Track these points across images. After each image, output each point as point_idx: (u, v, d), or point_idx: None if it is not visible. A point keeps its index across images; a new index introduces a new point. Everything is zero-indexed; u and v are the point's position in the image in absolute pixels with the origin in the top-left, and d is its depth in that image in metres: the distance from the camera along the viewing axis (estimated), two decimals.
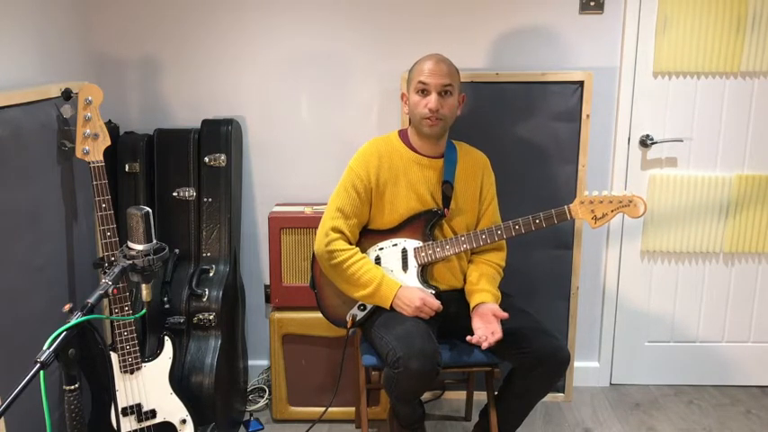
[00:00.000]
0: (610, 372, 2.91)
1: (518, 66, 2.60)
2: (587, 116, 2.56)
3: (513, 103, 2.56)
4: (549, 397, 2.74)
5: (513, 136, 2.59)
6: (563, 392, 2.80)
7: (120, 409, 2.03)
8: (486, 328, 1.97)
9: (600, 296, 2.83)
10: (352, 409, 2.60)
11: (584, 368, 2.88)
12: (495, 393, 2.21)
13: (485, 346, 1.93)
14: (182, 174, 2.51)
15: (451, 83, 2.03)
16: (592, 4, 2.56)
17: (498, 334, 1.94)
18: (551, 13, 2.56)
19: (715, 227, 2.73)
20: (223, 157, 2.49)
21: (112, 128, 2.55)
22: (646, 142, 2.66)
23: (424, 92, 2.03)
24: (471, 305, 2.07)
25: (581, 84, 2.53)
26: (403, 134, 2.17)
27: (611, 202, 2.01)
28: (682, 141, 2.67)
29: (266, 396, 2.77)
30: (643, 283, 2.81)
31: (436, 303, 2.02)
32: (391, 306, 2.04)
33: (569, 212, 2.02)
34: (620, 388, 2.90)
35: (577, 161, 2.59)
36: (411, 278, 2.10)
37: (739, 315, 2.84)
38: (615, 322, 2.85)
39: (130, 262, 1.53)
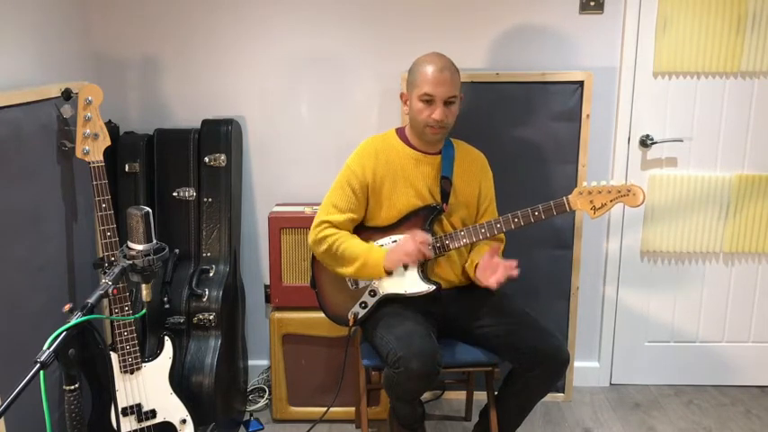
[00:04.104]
0: (610, 372, 2.91)
1: (518, 66, 2.60)
2: (587, 116, 2.56)
3: (513, 103, 2.56)
4: (549, 397, 2.74)
5: (513, 136, 2.59)
6: (563, 392, 2.80)
7: (120, 409, 2.03)
8: (490, 268, 2.02)
9: (600, 296, 2.83)
10: (353, 409, 2.60)
11: (584, 368, 2.88)
12: (495, 393, 2.21)
13: (494, 281, 1.97)
14: (182, 174, 2.51)
15: (455, 93, 2.03)
16: (592, 4, 2.56)
17: (504, 269, 1.98)
18: (551, 13, 2.56)
19: (715, 227, 2.73)
20: (223, 157, 2.49)
21: (112, 128, 2.55)
22: (646, 142, 2.66)
23: (429, 101, 2.02)
24: (473, 265, 2.10)
25: (581, 84, 2.53)
26: (401, 132, 2.17)
27: (609, 191, 1.99)
28: (682, 141, 2.67)
29: (266, 396, 2.77)
30: (643, 283, 2.81)
31: (426, 237, 2.01)
32: (388, 271, 2.03)
33: (568, 204, 2.00)
34: (620, 388, 2.90)
35: (577, 161, 2.59)
36: (411, 274, 2.10)
37: (739, 315, 2.84)
38: (615, 322, 2.85)
39: (130, 262, 1.53)
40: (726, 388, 2.89)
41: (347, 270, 2.07)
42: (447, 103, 2.02)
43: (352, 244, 2.06)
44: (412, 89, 2.06)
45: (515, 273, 1.97)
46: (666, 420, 2.64)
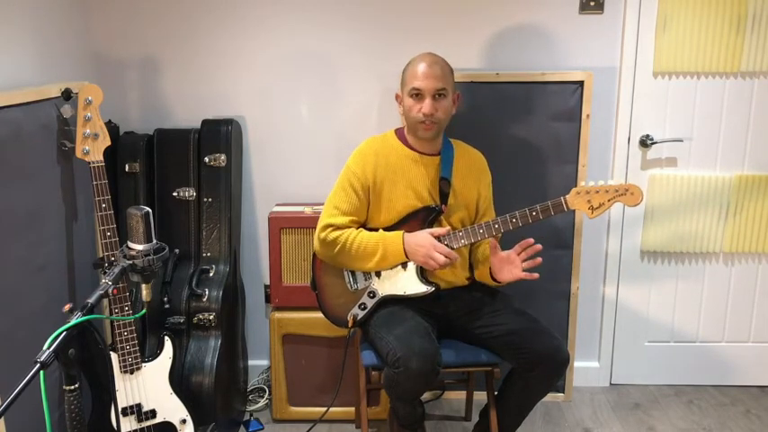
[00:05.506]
0: (610, 372, 2.91)
1: (518, 66, 2.60)
2: (587, 116, 2.56)
3: (513, 103, 2.56)
4: (549, 397, 2.74)
5: (513, 136, 2.59)
6: (563, 392, 2.80)
7: (120, 409, 2.03)
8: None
9: (600, 296, 2.83)
10: (352, 409, 2.60)
11: (585, 368, 2.88)
12: (495, 393, 2.21)
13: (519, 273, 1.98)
14: (182, 174, 2.51)
15: (445, 86, 2.03)
16: (592, 4, 2.56)
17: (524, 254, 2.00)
18: (551, 13, 2.56)
19: (715, 227, 2.73)
20: (223, 157, 2.49)
21: (112, 128, 2.55)
22: (646, 142, 2.66)
23: (418, 96, 2.03)
24: (486, 274, 2.10)
25: (581, 84, 2.53)
26: (400, 132, 2.18)
27: (607, 191, 1.98)
28: (682, 141, 2.67)
29: (266, 396, 2.77)
30: (643, 283, 2.81)
31: (453, 255, 2.01)
32: (407, 254, 2.04)
33: (566, 203, 2.00)
34: (620, 388, 2.90)
35: (577, 161, 2.59)
36: (410, 275, 2.10)
37: (739, 315, 2.84)
38: (615, 322, 2.85)
39: (130, 262, 1.53)
40: (726, 388, 2.89)
41: (367, 264, 2.07)
42: (436, 96, 2.02)
43: (364, 238, 2.06)
44: (403, 87, 2.09)
45: (538, 247, 1.97)
46: (666, 420, 2.64)
